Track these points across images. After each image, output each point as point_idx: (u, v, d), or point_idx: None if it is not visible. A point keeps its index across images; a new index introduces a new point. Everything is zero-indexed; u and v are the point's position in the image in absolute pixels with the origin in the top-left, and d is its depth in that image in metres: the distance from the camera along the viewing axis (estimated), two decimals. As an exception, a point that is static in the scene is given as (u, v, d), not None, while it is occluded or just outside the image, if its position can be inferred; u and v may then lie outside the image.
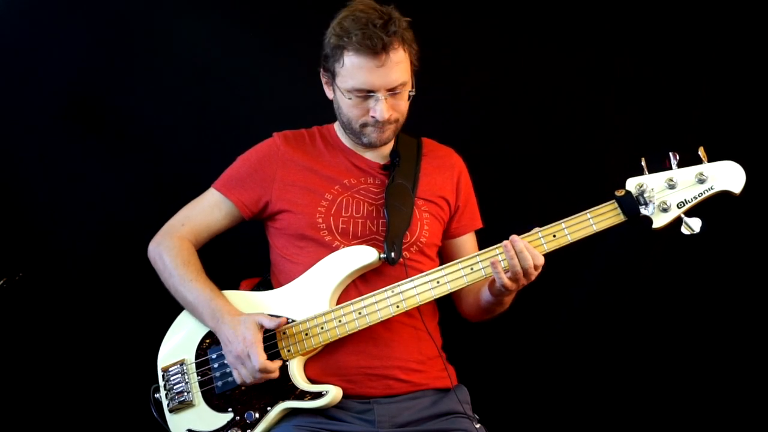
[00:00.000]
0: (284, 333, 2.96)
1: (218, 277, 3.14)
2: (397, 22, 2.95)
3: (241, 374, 2.91)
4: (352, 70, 2.95)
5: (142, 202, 4.10)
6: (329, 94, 3.15)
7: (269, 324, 2.93)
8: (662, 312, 4.13)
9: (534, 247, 2.84)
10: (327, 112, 3.28)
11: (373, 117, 3.00)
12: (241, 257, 3.62)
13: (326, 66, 3.06)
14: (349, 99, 3.00)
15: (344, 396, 2.94)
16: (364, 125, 3.05)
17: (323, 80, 3.14)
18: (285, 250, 3.14)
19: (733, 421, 4.07)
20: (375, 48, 2.90)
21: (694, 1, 4.03)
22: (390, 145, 3.22)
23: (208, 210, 3.21)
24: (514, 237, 2.83)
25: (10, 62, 4.07)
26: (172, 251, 3.14)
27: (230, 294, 3.09)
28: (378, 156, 3.21)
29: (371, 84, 2.95)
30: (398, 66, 2.97)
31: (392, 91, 2.98)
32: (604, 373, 4.18)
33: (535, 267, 2.81)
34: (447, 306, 3.22)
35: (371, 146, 3.13)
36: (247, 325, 2.92)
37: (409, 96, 3.06)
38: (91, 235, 4.14)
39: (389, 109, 3.00)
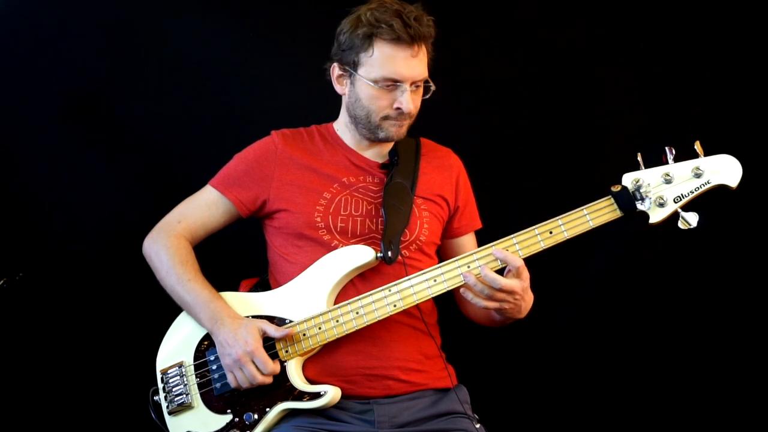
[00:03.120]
0: (282, 333, 2.96)
1: (217, 277, 3.14)
2: (426, 19, 2.99)
3: (237, 378, 2.90)
4: (382, 59, 2.97)
5: (141, 201, 4.09)
6: (340, 89, 3.14)
7: (275, 333, 2.92)
8: (661, 308, 4.13)
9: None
10: (326, 111, 3.29)
11: (397, 109, 3.01)
12: (240, 257, 3.64)
13: (344, 58, 3.06)
14: (374, 90, 3.01)
15: (343, 396, 2.93)
16: (385, 118, 3.05)
17: (335, 74, 3.13)
18: (283, 249, 3.13)
19: (733, 420, 4.06)
20: (414, 37, 2.94)
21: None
22: (389, 145, 3.21)
23: (205, 208, 3.20)
24: (465, 273, 2.84)
25: (10, 62, 4.07)
26: (169, 249, 3.13)
27: (227, 295, 3.09)
28: (377, 155, 3.21)
29: (401, 74, 2.97)
30: (425, 60, 3.03)
31: (415, 85, 3.02)
32: (604, 373, 4.18)
33: (506, 289, 2.78)
34: (446, 305, 3.21)
35: (387, 140, 3.12)
36: (249, 329, 2.91)
37: (429, 91, 3.09)
38: (90, 235, 4.15)
39: (413, 102, 3.02)
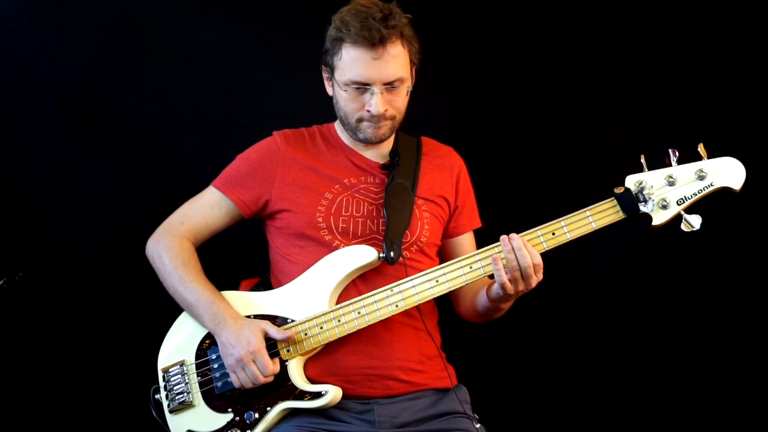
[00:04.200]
0: (284, 333, 2.96)
1: (218, 277, 3.13)
2: (397, 17, 2.96)
3: (239, 378, 2.90)
4: (349, 63, 2.96)
5: (142, 201, 4.09)
6: (329, 90, 3.14)
7: (277, 335, 2.92)
8: (662, 310, 4.12)
9: (532, 246, 2.82)
10: (327, 111, 3.27)
11: (368, 111, 3.00)
12: (241, 257, 3.62)
13: (326, 61, 3.07)
14: (346, 92, 3.00)
15: (344, 396, 2.93)
16: (359, 120, 3.05)
17: (324, 76, 3.14)
18: (285, 249, 3.13)
19: (733, 421, 4.06)
20: (372, 40, 2.90)
21: (695, -2, 4.05)
22: (390, 145, 3.21)
23: (208, 208, 3.20)
24: (512, 234, 2.82)
25: (11, 62, 4.06)
26: (171, 251, 3.13)
27: (229, 294, 3.09)
28: (378, 155, 3.21)
29: (367, 77, 2.95)
30: (395, 60, 2.97)
31: (389, 86, 2.98)
32: (605, 373, 4.18)
33: (535, 269, 2.79)
34: (446, 306, 3.22)
35: (367, 142, 3.12)
36: (252, 330, 2.92)
37: (407, 91, 3.06)
38: (91, 235, 4.14)
39: (384, 104, 3.00)
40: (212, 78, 4.14)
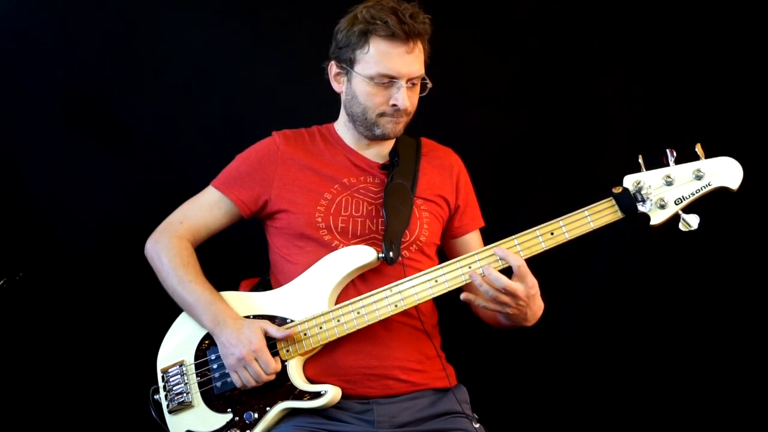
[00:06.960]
0: (283, 333, 2.97)
1: (218, 277, 3.13)
2: (422, 16, 3.00)
3: (241, 378, 2.90)
4: (378, 56, 2.97)
5: (142, 201, 4.10)
6: (338, 87, 3.15)
7: (277, 334, 2.92)
8: (661, 309, 4.13)
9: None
10: (327, 112, 3.29)
11: (393, 105, 3.01)
12: (241, 257, 3.62)
13: (341, 55, 3.07)
14: (370, 87, 3.01)
15: (343, 396, 2.93)
16: (381, 115, 3.05)
17: (332, 72, 3.13)
18: (284, 249, 3.13)
19: (733, 420, 4.06)
20: (408, 34, 2.94)
21: (694, -2, 4.05)
22: (390, 145, 3.21)
23: (207, 208, 3.20)
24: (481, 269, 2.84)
25: (11, 62, 4.07)
26: (171, 251, 3.13)
27: (228, 295, 3.09)
28: (378, 155, 3.21)
29: (397, 70, 2.97)
30: (421, 57, 3.03)
31: (412, 81, 3.01)
32: (604, 373, 4.19)
33: (511, 294, 2.78)
34: (446, 305, 3.20)
35: (384, 138, 3.12)
36: (253, 329, 2.92)
37: (426, 88, 3.09)
38: (91, 235, 4.15)
39: (408, 99, 3.01)
40: (212, 78, 4.15)
